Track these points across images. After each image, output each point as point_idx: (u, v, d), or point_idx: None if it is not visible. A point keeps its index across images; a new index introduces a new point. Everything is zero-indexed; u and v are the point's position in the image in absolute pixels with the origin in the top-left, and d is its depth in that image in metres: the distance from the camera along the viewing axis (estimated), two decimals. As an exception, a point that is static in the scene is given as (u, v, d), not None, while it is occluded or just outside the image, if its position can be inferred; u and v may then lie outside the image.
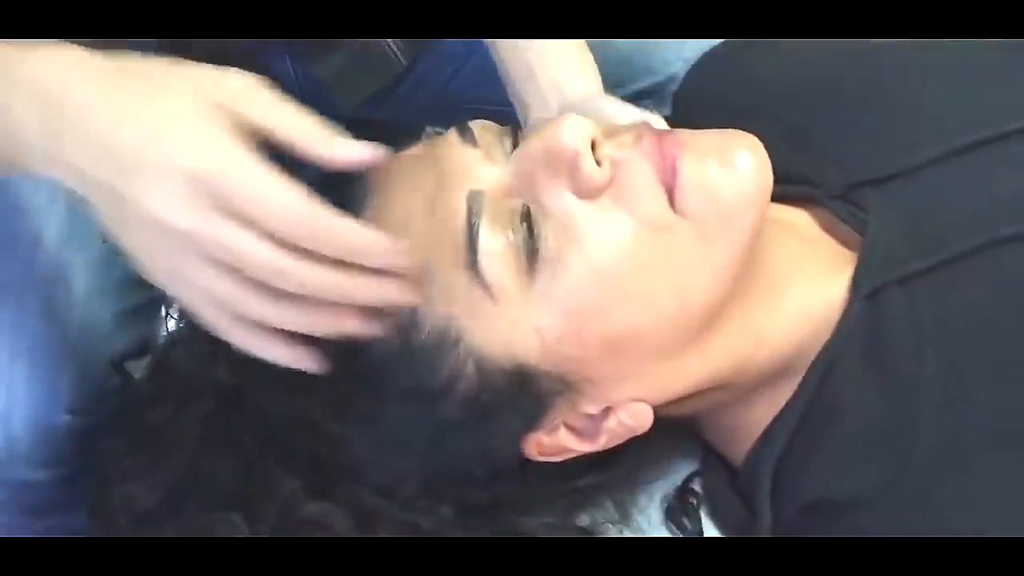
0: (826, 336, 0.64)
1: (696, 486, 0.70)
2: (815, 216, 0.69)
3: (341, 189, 0.62)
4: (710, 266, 0.59)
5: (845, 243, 0.67)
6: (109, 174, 0.51)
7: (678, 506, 0.70)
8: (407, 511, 0.62)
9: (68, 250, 0.71)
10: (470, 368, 0.59)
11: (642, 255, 0.58)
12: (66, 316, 0.70)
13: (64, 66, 0.53)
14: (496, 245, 0.58)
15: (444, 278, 0.58)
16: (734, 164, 0.59)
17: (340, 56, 0.85)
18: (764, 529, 0.65)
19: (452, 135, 0.62)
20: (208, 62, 0.54)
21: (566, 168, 0.58)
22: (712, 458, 0.70)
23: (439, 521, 0.63)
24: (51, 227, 0.70)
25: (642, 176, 0.58)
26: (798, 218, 0.69)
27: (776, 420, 0.65)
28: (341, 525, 0.62)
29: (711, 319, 0.61)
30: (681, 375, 0.62)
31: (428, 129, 0.84)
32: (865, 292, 0.63)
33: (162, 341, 0.74)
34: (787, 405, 0.64)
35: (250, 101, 0.52)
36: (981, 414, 0.60)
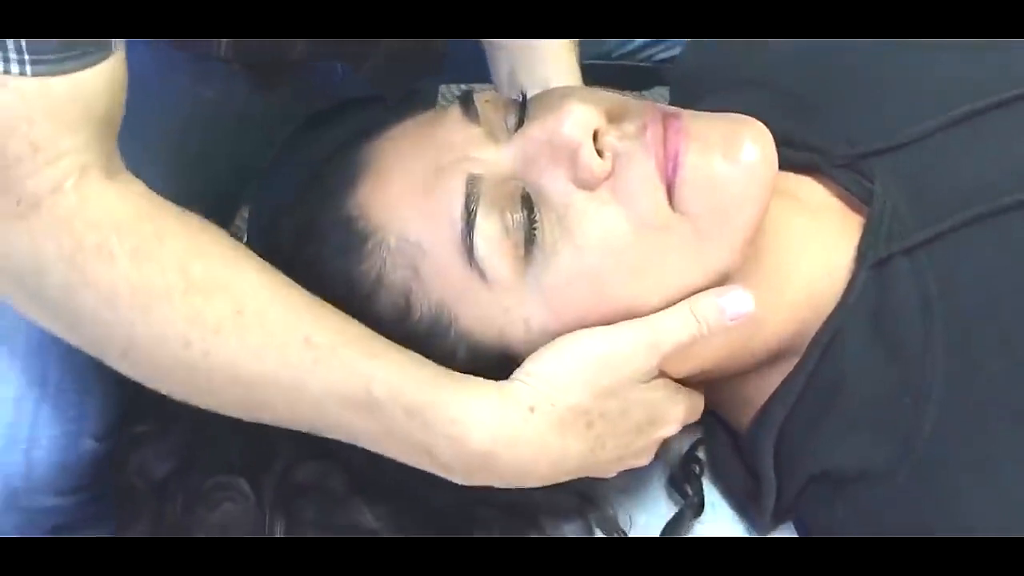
0: (831, 306, 0.63)
1: (700, 454, 0.70)
2: (819, 185, 0.68)
3: (336, 164, 0.63)
4: (703, 266, 0.59)
5: (850, 213, 0.66)
6: None
7: (681, 474, 0.70)
8: (398, 471, 0.61)
9: None
10: (462, 353, 0.59)
11: (634, 256, 0.58)
12: None
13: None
14: (493, 231, 0.57)
15: (439, 262, 0.58)
16: (739, 158, 0.58)
17: (379, 55, 0.83)
18: (769, 494, 0.65)
19: (455, 110, 0.61)
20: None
21: (566, 157, 0.58)
22: (716, 427, 0.70)
23: (429, 484, 0.62)
24: None
25: (642, 171, 0.58)
26: (803, 187, 0.68)
27: (780, 388, 0.64)
28: (336, 484, 0.62)
29: None
30: (690, 361, 0.62)
31: (442, 89, 0.83)
32: (871, 262, 0.63)
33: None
34: (791, 375, 0.64)
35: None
36: (990, 384, 0.59)
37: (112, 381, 0.65)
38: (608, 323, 0.58)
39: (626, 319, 0.58)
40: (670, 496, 0.70)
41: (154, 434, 0.65)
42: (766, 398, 0.65)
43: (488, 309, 0.59)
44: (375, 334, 0.57)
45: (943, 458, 0.59)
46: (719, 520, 0.69)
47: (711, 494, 0.69)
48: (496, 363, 0.59)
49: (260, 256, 0.58)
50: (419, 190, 0.59)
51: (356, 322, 0.58)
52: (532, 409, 0.57)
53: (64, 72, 0.50)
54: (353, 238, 0.60)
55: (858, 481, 0.62)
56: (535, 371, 0.58)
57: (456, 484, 0.59)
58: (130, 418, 0.66)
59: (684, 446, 0.70)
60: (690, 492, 0.68)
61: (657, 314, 0.59)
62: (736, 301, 0.58)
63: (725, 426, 0.70)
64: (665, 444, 0.64)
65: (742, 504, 0.68)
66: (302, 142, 0.78)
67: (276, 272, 0.57)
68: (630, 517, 0.68)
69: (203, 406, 0.58)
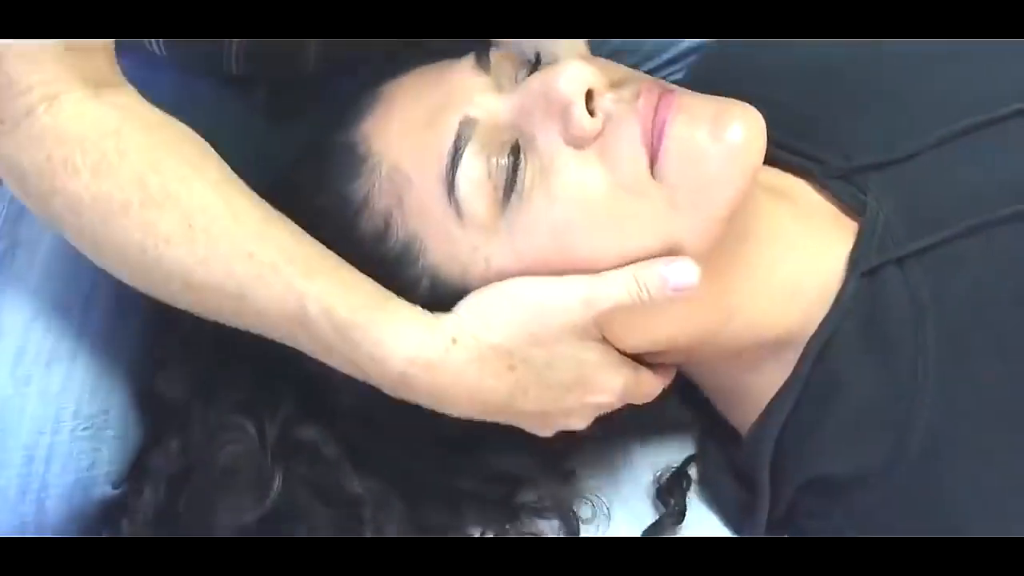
0: (823, 312, 0.64)
1: (691, 471, 0.72)
2: (815, 192, 0.69)
3: (352, 99, 0.65)
4: (667, 237, 0.59)
5: (843, 222, 0.67)
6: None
7: (667, 485, 0.71)
8: (388, 444, 0.65)
9: (123, 307, 0.70)
10: (425, 284, 0.61)
11: (603, 214, 0.58)
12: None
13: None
14: (477, 172, 0.59)
15: (422, 194, 0.60)
16: (724, 137, 0.58)
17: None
18: (762, 506, 0.66)
19: (469, 59, 0.63)
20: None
21: (559, 113, 0.59)
22: (710, 444, 0.72)
23: (412, 455, 0.65)
24: (105, 290, 0.70)
25: (628, 135, 0.58)
26: (798, 189, 0.69)
27: (777, 396, 0.65)
28: (330, 452, 0.65)
29: None
30: (638, 333, 0.63)
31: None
32: (862, 270, 0.64)
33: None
34: (787, 382, 0.65)
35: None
36: (981, 391, 0.60)
37: (126, 428, 0.68)
38: (562, 275, 0.59)
39: (582, 275, 0.59)
40: (655, 506, 0.71)
41: (177, 358, 0.69)
42: (763, 396, 0.66)
43: (457, 246, 0.60)
44: (324, 254, 0.60)
45: (935, 461, 0.60)
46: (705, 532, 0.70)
47: (699, 509, 0.70)
48: (453, 301, 0.61)
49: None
50: (419, 125, 0.61)
51: (308, 241, 0.60)
52: (455, 340, 0.59)
53: None
54: (352, 159, 0.62)
55: (853, 485, 0.63)
56: (469, 306, 0.60)
57: (439, 457, 0.64)
58: (157, 341, 0.70)
59: (676, 461, 0.72)
60: (672, 501, 0.70)
61: (600, 273, 0.59)
62: (680, 272, 0.58)
63: (720, 440, 0.72)
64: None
65: (734, 518, 0.70)
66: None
67: (235, 186, 0.61)
68: (608, 508, 0.70)
69: (173, 304, 0.62)
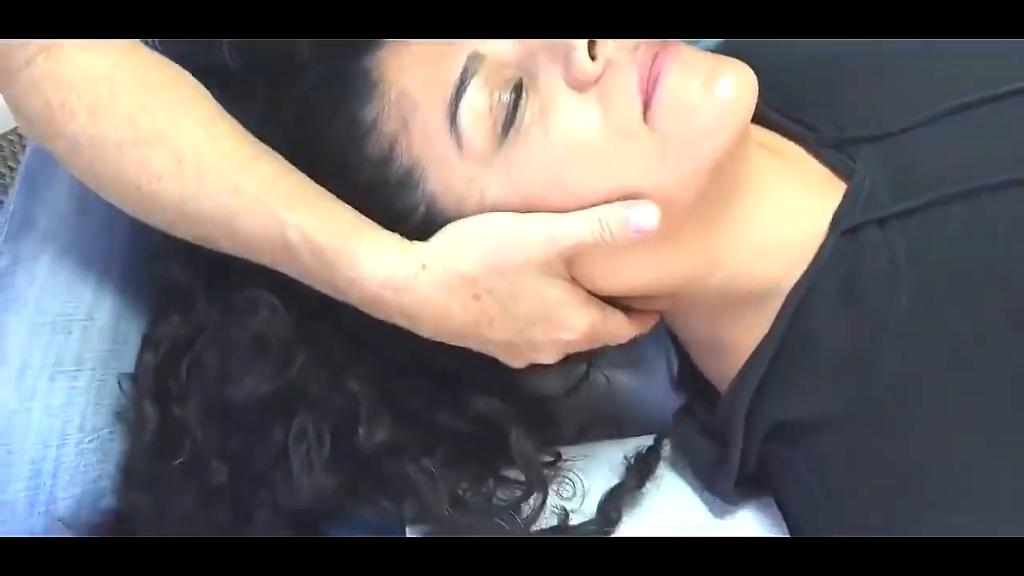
0: (803, 268, 0.66)
1: (662, 450, 0.75)
2: (806, 155, 0.71)
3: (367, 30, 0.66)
4: (655, 183, 0.61)
5: (831, 185, 0.69)
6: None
7: (634, 461, 0.74)
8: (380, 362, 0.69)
9: (123, 322, 0.73)
10: (420, 211, 0.64)
11: (595, 155, 0.61)
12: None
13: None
14: (479, 105, 0.62)
15: (427, 121, 0.63)
16: (715, 91, 0.60)
17: None
18: (733, 457, 0.69)
19: None
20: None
21: (563, 56, 0.61)
22: (683, 414, 0.75)
23: (403, 374, 0.69)
24: (105, 305, 0.73)
25: (625, 81, 0.61)
26: (790, 148, 0.71)
27: (755, 351, 0.67)
28: (337, 353, 0.69)
29: (655, 239, 0.62)
30: (611, 276, 0.65)
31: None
32: (843, 228, 0.66)
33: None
34: (766, 336, 0.67)
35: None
36: (947, 350, 0.62)
37: (132, 439, 0.70)
38: (555, 211, 0.62)
39: (572, 211, 0.62)
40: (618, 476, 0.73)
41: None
42: (742, 350, 0.68)
43: (455, 176, 0.63)
44: (306, 186, 0.64)
45: (896, 410, 0.62)
46: (671, 491, 0.73)
47: (666, 479, 0.73)
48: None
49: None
50: (432, 57, 0.64)
51: (291, 174, 0.65)
52: (424, 266, 0.63)
53: None
54: (365, 84, 0.65)
55: (815, 429, 0.65)
56: (443, 235, 0.64)
57: (422, 384, 0.69)
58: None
59: (650, 440, 0.75)
60: (635, 464, 0.73)
61: (568, 214, 0.62)
62: (641, 214, 0.61)
63: (695, 399, 0.75)
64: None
65: (706, 475, 0.72)
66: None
67: (224, 124, 0.65)
68: (583, 482, 0.72)
69: (172, 233, 0.67)
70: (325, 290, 0.64)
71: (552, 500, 0.71)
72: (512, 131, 0.61)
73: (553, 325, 0.65)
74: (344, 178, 0.65)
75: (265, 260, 0.65)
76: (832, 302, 0.65)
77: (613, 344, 0.69)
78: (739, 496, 0.71)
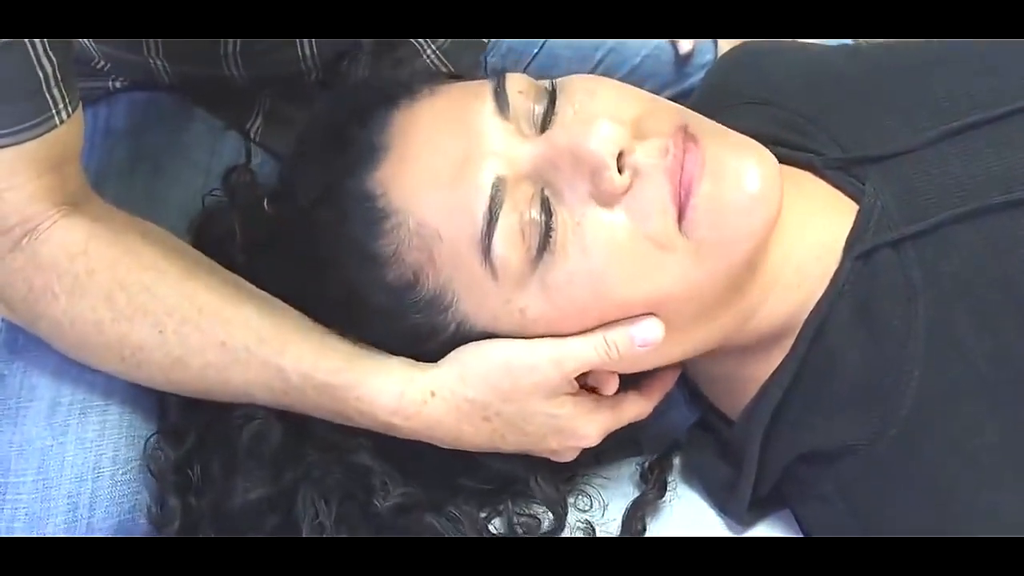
0: (820, 294, 0.67)
1: (675, 459, 0.76)
2: (815, 181, 0.72)
3: (362, 131, 0.66)
4: (692, 284, 0.62)
5: (842, 208, 0.69)
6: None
7: (650, 466, 0.75)
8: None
9: None
10: (451, 329, 0.65)
11: (635, 267, 0.61)
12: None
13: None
14: (511, 234, 0.61)
15: (454, 249, 0.62)
16: (746, 190, 0.61)
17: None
18: (747, 481, 0.69)
19: (488, 101, 0.63)
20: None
21: (589, 171, 0.60)
22: (697, 433, 0.76)
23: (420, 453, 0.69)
24: None
25: (658, 192, 0.60)
26: (800, 179, 0.71)
27: (772, 377, 0.68)
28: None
29: (690, 321, 0.64)
30: (652, 358, 0.66)
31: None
32: (857, 252, 0.66)
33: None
34: (782, 363, 0.68)
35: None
36: (967, 366, 0.63)
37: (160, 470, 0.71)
38: (599, 320, 0.63)
39: (617, 317, 0.62)
40: (639, 487, 0.75)
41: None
42: (756, 380, 0.69)
43: (490, 298, 0.63)
44: (292, 323, 0.65)
45: (921, 431, 0.63)
46: (690, 501, 0.74)
47: (684, 489, 0.74)
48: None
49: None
50: (444, 179, 0.62)
51: (276, 312, 0.66)
52: (433, 393, 0.65)
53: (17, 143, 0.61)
54: (374, 214, 0.64)
55: (841, 455, 0.65)
56: (449, 361, 0.65)
57: (440, 458, 0.68)
58: None
59: (659, 449, 0.76)
60: (653, 476, 0.74)
61: (572, 337, 0.64)
62: (646, 330, 0.62)
63: (708, 422, 0.75)
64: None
65: (718, 495, 0.73)
66: (328, 101, 0.82)
67: (197, 280, 0.66)
68: (604, 501, 0.73)
69: (168, 392, 0.68)
70: (337, 420, 0.66)
71: (573, 516, 0.72)
72: (547, 252, 0.61)
73: (565, 437, 0.68)
74: (361, 305, 0.65)
75: (265, 402, 0.66)
76: (850, 326, 0.66)
77: (636, 421, 0.70)
78: (752, 517, 0.72)
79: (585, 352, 0.64)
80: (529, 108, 0.63)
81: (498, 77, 0.64)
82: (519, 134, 0.63)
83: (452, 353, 0.65)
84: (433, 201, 0.62)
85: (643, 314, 0.63)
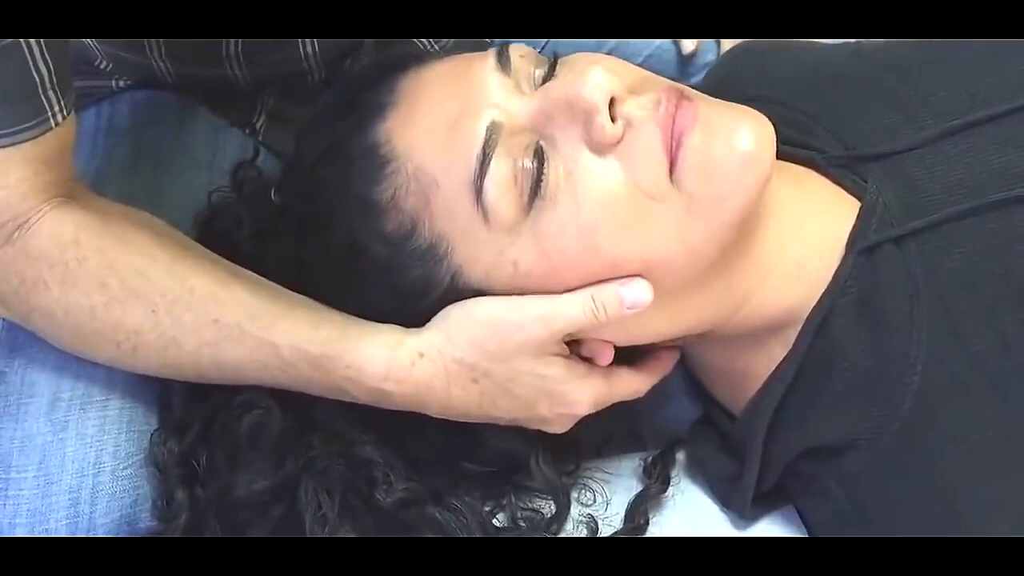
0: (822, 290, 0.67)
1: (679, 454, 0.76)
2: (818, 177, 0.72)
3: (370, 93, 0.67)
4: (685, 241, 0.61)
5: (844, 205, 0.69)
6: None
7: (653, 460, 0.75)
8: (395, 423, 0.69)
9: None
10: (445, 282, 0.64)
11: (626, 217, 0.60)
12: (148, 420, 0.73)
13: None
14: (503, 176, 0.60)
15: (449, 196, 0.62)
16: (737, 148, 0.60)
17: None
18: (750, 476, 0.69)
19: (491, 59, 0.64)
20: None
21: (582, 118, 0.60)
22: (700, 428, 0.76)
23: (421, 431, 0.69)
24: None
25: (649, 142, 0.60)
26: (802, 173, 0.71)
27: (775, 372, 0.68)
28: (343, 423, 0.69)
29: (681, 287, 0.63)
30: (645, 328, 0.66)
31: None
32: (860, 248, 0.66)
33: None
34: (785, 358, 0.68)
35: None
36: (969, 362, 0.63)
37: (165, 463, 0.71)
38: (591, 276, 0.62)
39: (610, 275, 0.62)
40: (638, 479, 0.75)
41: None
42: (759, 375, 0.69)
43: (482, 248, 0.63)
44: (283, 299, 0.66)
45: (924, 426, 0.63)
46: (693, 496, 0.74)
47: (687, 484, 0.74)
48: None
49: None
50: (443, 127, 0.62)
51: (264, 287, 0.66)
52: (421, 355, 0.64)
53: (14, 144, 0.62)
54: (376, 160, 0.64)
55: (841, 451, 0.65)
56: (436, 323, 0.65)
57: (441, 438, 0.69)
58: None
59: (662, 444, 0.76)
60: (656, 471, 0.73)
61: (560, 295, 0.63)
62: (635, 291, 0.62)
63: (711, 418, 0.75)
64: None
65: (721, 490, 0.73)
66: (340, 71, 0.83)
67: (187, 262, 0.66)
68: (607, 495, 0.73)
69: (163, 377, 0.68)
70: (329, 395, 0.66)
71: (576, 509, 0.72)
72: (539, 199, 0.61)
73: (556, 402, 0.67)
74: (360, 259, 0.65)
75: (259, 381, 0.66)
76: (853, 321, 0.66)
77: (631, 398, 0.70)
78: (755, 511, 0.73)
79: (572, 310, 0.63)
80: (530, 71, 0.64)
81: (500, 44, 0.66)
82: (518, 90, 0.63)
83: (440, 313, 0.65)
84: (431, 146, 0.63)
85: (633, 276, 0.62)
